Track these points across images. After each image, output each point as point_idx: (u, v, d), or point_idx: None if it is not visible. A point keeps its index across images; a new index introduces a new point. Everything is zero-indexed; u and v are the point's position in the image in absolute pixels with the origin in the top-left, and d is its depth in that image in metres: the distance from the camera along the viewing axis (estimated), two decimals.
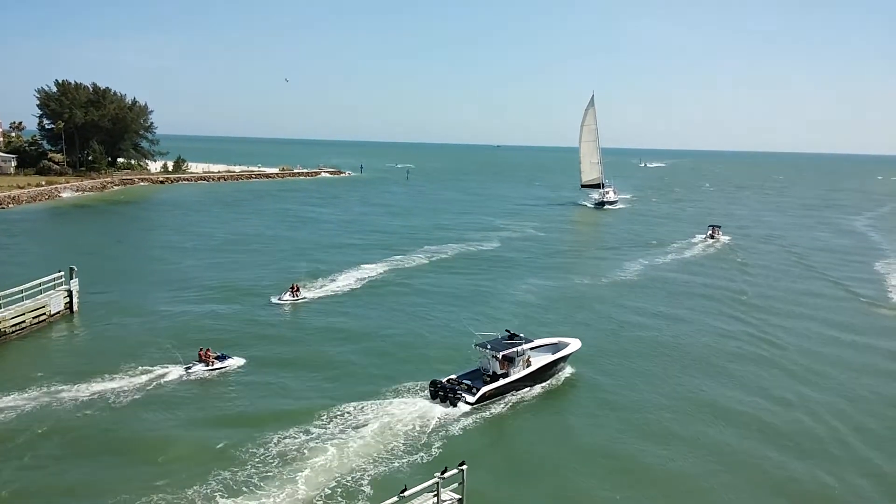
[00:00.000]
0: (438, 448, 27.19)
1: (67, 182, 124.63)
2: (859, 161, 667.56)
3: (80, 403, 30.76)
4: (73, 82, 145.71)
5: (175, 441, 27.36)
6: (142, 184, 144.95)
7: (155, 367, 35.14)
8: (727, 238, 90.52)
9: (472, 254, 73.46)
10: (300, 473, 24.77)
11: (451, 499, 21.07)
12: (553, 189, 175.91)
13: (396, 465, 25.75)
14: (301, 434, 27.90)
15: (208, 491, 23.64)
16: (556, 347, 36.26)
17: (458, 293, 54.77)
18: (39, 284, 43.01)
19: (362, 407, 30.56)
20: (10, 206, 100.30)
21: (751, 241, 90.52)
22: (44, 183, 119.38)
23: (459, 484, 21.31)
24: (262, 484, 24.14)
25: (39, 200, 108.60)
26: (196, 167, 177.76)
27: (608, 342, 42.29)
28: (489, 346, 33.50)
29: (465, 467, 21.36)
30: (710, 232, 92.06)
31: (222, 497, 23.36)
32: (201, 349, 36.01)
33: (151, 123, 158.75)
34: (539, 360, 34.54)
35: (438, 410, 30.41)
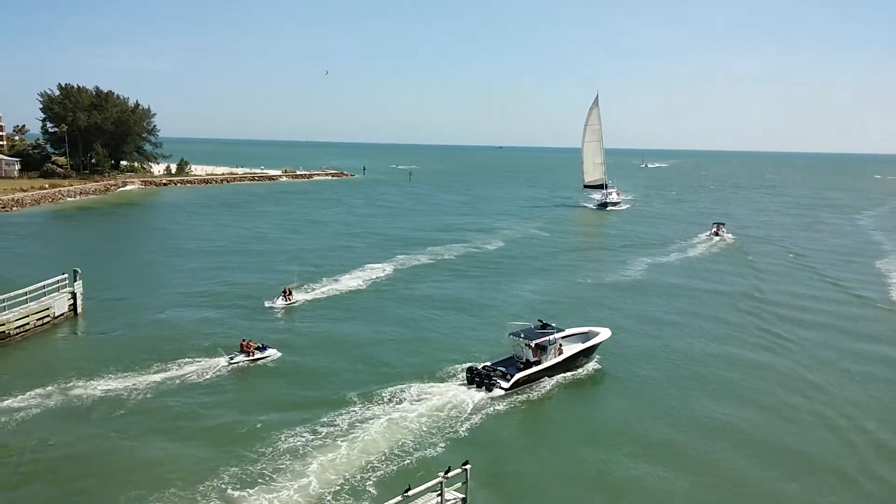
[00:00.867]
0: (475, 429, 28.79)
1: (71, 185, 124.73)
2: (859, 161, 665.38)
3: (90, 401, 30.82)
4: (75, 86, 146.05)
5: (226, 425, 28.82)
6: (129, 188, 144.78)
7: (169, 365, 35.22)
8: (731, 236, 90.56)
9: (476, 254, 73.40)
10: (343, 451, 26.33)
11: (454, 498, 20.99)
12: (555, 190, 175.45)
13: (437, 443, 27.22)
14: (345, 416, 29.55)
15: (270, 465, 25.43)
16: (586, 337, 37.36)
17: (465, 293, 54.74)
18: (43, 287, 43.00)
19: (400, 392, 32.21)
20: (14, 209, 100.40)
21: (754, 238, 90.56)
22: (47, 186, 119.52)
23: (463, 483, 21.26)
24: (314, 455, 26.04)
25: (43, 203, 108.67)
26: (199, 169, 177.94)
27: (631, 336, 42.95)
28: (523, 335, 35.14)
29: (468, 467, 21.29)
30: (714, 230, 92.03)
31: (284, 468, 25.24)
32: (243, 340, 37.52)
33: (154, 126, 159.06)
34: (570, 349, 35.82)
35: (474, 395, 31.89)
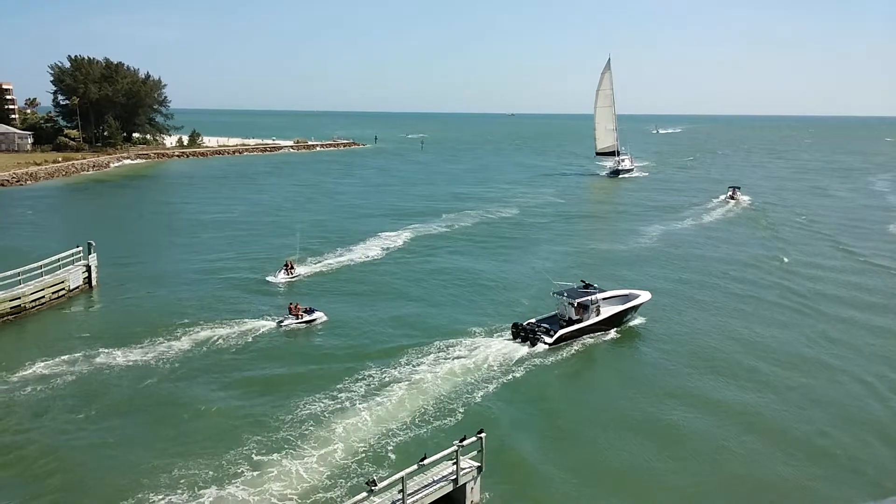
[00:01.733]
0: (521, 377, 31.36)
1: (84, 158, 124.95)
2: (871, 123, 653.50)
3: (111, 370, 31.33)
4: (86, 57, 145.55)
5: (284, 376, 31.35)
6: (135, 162, 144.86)
7: (186, 333, 35.66)
8: (746, 198, 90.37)
9: (493, 221, 73.54)
10: (398, 394, 28.91)
11: (470, 466, 21.10)
12: (567, 157, 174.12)
13: (488, 391, 29.57)
14: (399, 365, 32.01)
15: (337, 401, 28.43)
16: (626, 298, 38.74)
17: (485, 260, 55.03)
18: (59, 260, 43.28)
19: (450, 345, 34.45)
20: (28, 182, 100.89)
21: (768, 202, 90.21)
22: (60, 159, 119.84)
23: (479, 452, 21.42)
24: (379, 398, 28.63)
25: (57, 176, 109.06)
26: (210, 141, 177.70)
27: (665, 298, 43.86)
28: (566, 294, 37.14)
29: (483, 435, 21.42)
30: (729, 193, 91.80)
31: (357, 405, 28.24)
32: (291, 303, 38.98)
33: (165, 97, 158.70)
34: (610, 309, 37.36)
35: (520, 349, 33.95)
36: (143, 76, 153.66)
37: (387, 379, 30.53)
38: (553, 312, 37.28)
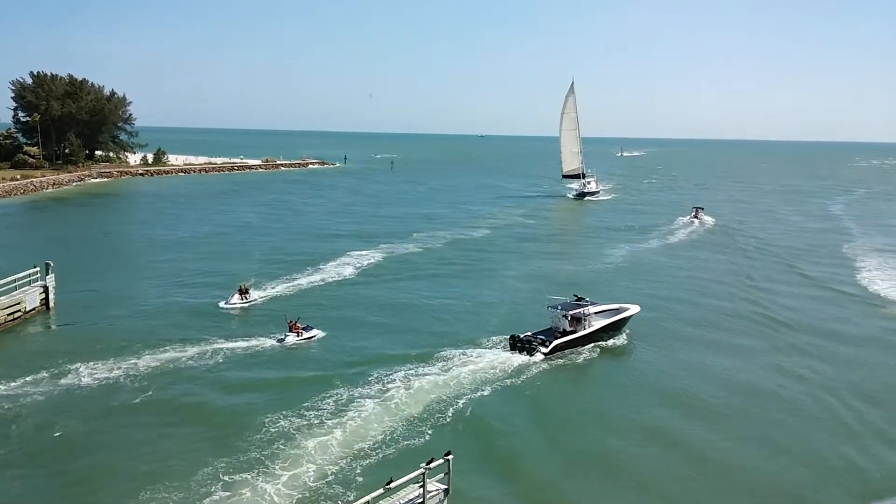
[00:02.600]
0: (520, 383, 33.17)
1: (43, 176, 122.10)
2: (833, 148, 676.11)
3: (65, 392, 30.35)
4: (48, 74, 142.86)
5: (293, 381, 32.54)
6: (97, 180, 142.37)
7: (138, 360, 34.55)
8: (710, 219, 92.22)
9: (463, 241, 73.60)
10: (402, 398, 30.31)
11: (436, 489, 20.97)
12: (536, 179, 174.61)
13: (487, 394, 31.45)
14: (404, 372, 33.48)
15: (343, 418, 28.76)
16: (616, 311, 40.74)
17: (456, 279, 55.06)
18: (14, 281, 41.80)
19: (451, 356, 35.93)
20: None
21: (730, 222, 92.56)
22: (19, 177, 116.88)
23: (445, 474, 21.30)
24: (387, 395, 30.56)
25: (15, 194, 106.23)
26: (176, 159, 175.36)
27: (651, 312, 45.20)
28: (560, 307, 39.20)
29: (450, 457, 21.27)
30: (693, 213, 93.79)
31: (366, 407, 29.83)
32: (290, 321, 39.09)
33: (130, 115, 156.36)
34: (602, 321, 39.40)
35: (517, 359, 35.77)
36: (108, 93, 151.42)
37: (356, 396, 30.53)
38: (548, 326, 39.07)
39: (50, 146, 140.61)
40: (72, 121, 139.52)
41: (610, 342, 39.31)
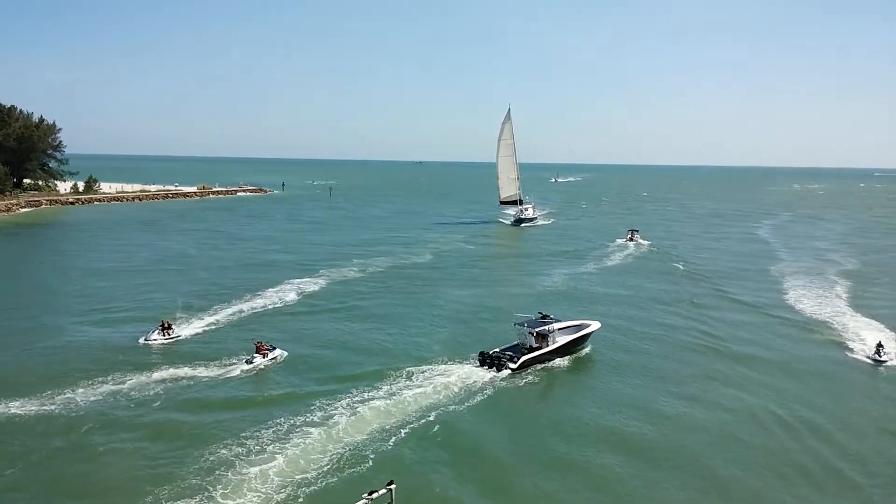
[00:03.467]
0: (490, 397, 34.96)
1: None
2: (766, 172, 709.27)
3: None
4: None
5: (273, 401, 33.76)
6: (25, 210, 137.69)
7: (69, 392, 34.25)
8: (645, 241, 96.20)
9: (404, 266, 74.52)
10: (312, 438, 29.51)
11: None
12: (472, 205, 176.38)
13: (460, 408, 32.99)
14: (370, 390, 34.76)
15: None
16: (579, 328, 42.71)
17: (396, 303, 55.80)
18: None
19: (420, 371, 37.66)
20: None
21: (662, 243, 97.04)
22: None
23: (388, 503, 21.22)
24: (292, 442, 29.20)
25: None
26: (109, 187, 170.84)
27: (608, 330, 47.74)
28: (526, 325, 40.92)
29: (393, 486, 20.93)
30: (629, 236, 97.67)
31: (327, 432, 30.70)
32: (258, 342, 40.04)
33: (60, 142, 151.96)
34: (566, 337, 41.31)
35: (486, 374, 37.46)
36: (37, 120, 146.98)
37: (299, 423, 30.83)
38: (515, 342, 41.08)
39: None
40: None
41: (573, 356, 41.53)
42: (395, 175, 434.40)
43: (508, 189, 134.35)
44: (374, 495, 20.50)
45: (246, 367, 38.07)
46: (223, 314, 50.42)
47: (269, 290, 58.84)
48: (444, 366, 38.91)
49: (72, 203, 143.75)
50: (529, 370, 38.85)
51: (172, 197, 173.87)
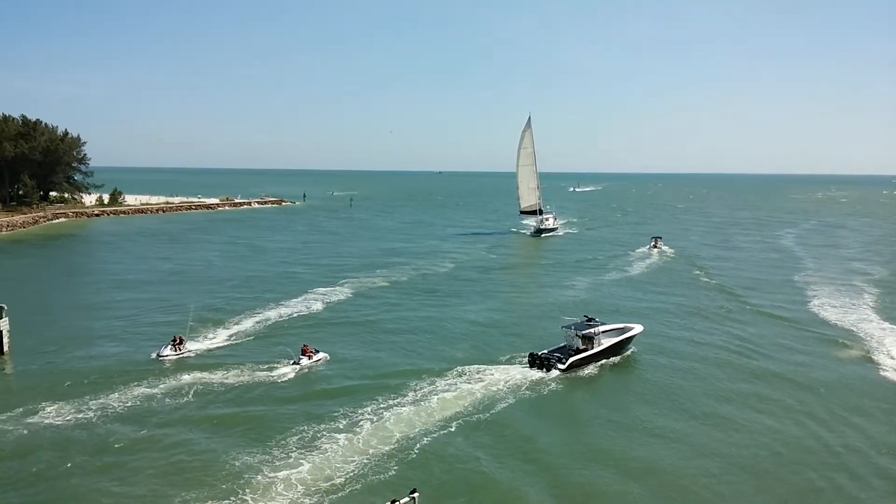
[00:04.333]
0: (544, 389, 37.19)
1: None
2: (785, 180, 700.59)
3: (29, 435, 30.16)
4: (1, 114, 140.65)
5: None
6: (52, 221, 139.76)
7: (103, 396, 34.66)
8: (668, 248, 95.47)
9: (427, 275, 74.50)
10: (440, 403, 34.03)
11: None
12: (493, 215, 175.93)
13: (510, 403, 34.95)
14: (428, 385, 37.08)
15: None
16: (622, 331, 44.26)
17: (420, 313, 55.88)
18: None
19: (472, 372, 39.31)
20: None
21: (685, 250, 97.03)
22: None
23: None
24: (431, 405, 34.03)
25: None
26: (134, 199, 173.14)
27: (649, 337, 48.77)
28: (573, 327, 42.66)
29: (416, 495, 21.13)
30: (652, 243, 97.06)
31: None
32: (304, 346, 42.05)
33: (85, 155, 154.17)
34: (611, 340, 42.79)
35: (536, 374, 39.08)
36: (62, 133, 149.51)
37: (356, 418, 31.95)
38: (562, 344, 42.65)
39: (3, 188, 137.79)
40: (25, 162, 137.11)
41: (618, 358, 42.96)
42: (416, 185, 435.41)
43: (528, 199, 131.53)
44: (400, 503, 20.67)
45: (293, 367, 39.85)
46: (250, 322, 50.90)
47: (294, 299, 59.22)
48: (494, 366, 40.42)
49: (97, 215, 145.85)
50: (577, 371, 40.23)
51: (195, 209, 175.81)
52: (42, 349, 43.63)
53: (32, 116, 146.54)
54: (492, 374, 38.91)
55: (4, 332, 42.92)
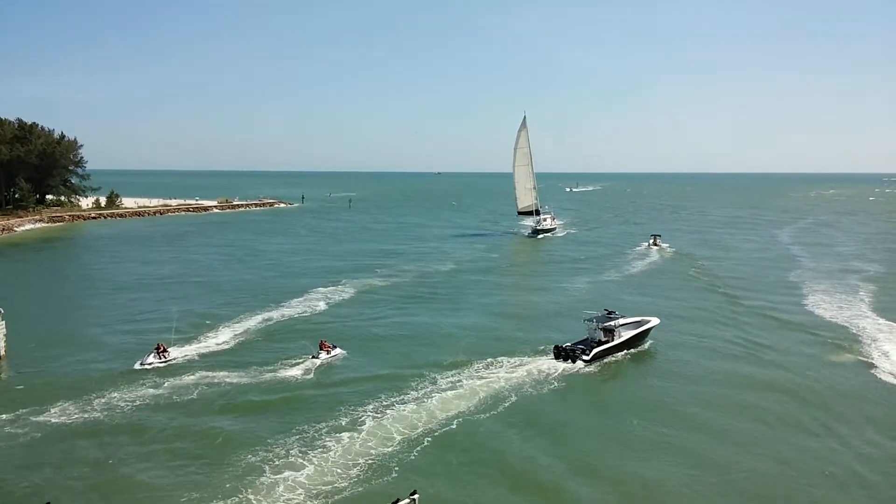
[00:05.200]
0: (571, 379, 39.27)
1: None
2: (777, 179, 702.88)
3: (27, 437, 30.14)
4: None
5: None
6: (48, 224, 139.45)
7: (105, 395, 34.58)
8: (667, 245, 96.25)
9: (427, 274, 74.44)
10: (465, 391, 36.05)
11: None
12: (491, 216, 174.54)
13: (544, 392, 36.91)
14: (459, 377, 38.60)
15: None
16: (639, 324, 46.26)
17: (421, 312, 56.06)
18: None
19: (500, 363, 41.23)
20: None
21: (683, 247, 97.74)
22: None
23: None
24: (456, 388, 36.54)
25: None
26: (130, 202, 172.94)
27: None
28: (595, 320, 44.62)
29: (416, 496, 21.17)
30: (651, 241, 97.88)
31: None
32: (322, 341, 43.01)
33: (81, 158, 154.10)
34: (630, 332, 44.91)
35: (561, 366, 40.90)
36: (58, 136, 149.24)
37: (383, 407, 32.23)
38: (584, 337, 44.50)
39: None
40: (21, 165, 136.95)
41: (636, 350, 44.93)
42: (414, 186, 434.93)
43: (525, 199, 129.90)
44: None
45: (303, 365, 40.36)
46: (252, 322, 51.00)
47: (296, 299, 59.18)
48: (519, 357, 42.15)
49: (94, 218, 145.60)
50: (600, 362, 42.06)
51: (194, 211, 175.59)
52: (39, 353, 43.39)
53: (29, 119, 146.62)
54: (521, 366, 40.41)
55: (1, 336, 42.67)
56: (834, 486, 26.91)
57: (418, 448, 29.27)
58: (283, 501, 24.80)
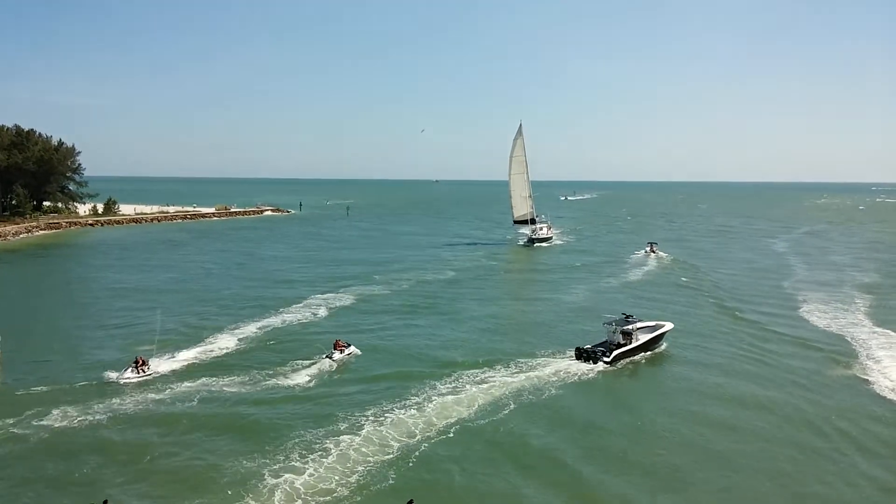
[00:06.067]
0: (594, 378, 41.15)
1: None
2: (770, 188, 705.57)
3: (24, 442, 30.19)
4: None
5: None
6: (45, 232, 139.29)
7: (105, 401, 34.41)
8: (664, 253, 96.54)
9: (428, 282, 74.55)
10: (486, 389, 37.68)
11: None
12: (488, 224, 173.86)
13: (573, 392, 38.56)
14: (487, 374, 40.71)
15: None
16: (655, 327, 47.97)
17: (424, 320, 56.18)
18: None
19: (521, 364, 42.84)
20: None
21: (685, 256, 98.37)
22: None
23: None
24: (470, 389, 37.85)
25: None
26: (133, 209, 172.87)
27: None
28: (614, 323, 46.10)
29: None
30: (648, 248, 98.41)
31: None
32: (336, 340, 44.09)
33: (79, 165, 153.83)
34: (647, 335, 46.52)
35: (583, 366, 42.65)
36: (56, 143, 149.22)
37: (401, 405, 33.49)
38: (603, 339, 45.95)
39: None
40: (18, 171, 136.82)
41: (655, 351, 46.72)
42: (412, 194, 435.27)
43: (521, 208, 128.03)
44: None
45: (329, 361, 41.58)
46: (256, 327, 51.29)
47: (295, 305, 59.39)
48: (541, 358, 43.97)
49: (91, 225, 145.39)
50: (619, 363, 43.66)
51: (191, 218, 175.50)
52: (34, 359, 43.17)
53: (26, 126, 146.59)
54: (543, 368, 42.06)
55: None
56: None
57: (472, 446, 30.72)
58: None
